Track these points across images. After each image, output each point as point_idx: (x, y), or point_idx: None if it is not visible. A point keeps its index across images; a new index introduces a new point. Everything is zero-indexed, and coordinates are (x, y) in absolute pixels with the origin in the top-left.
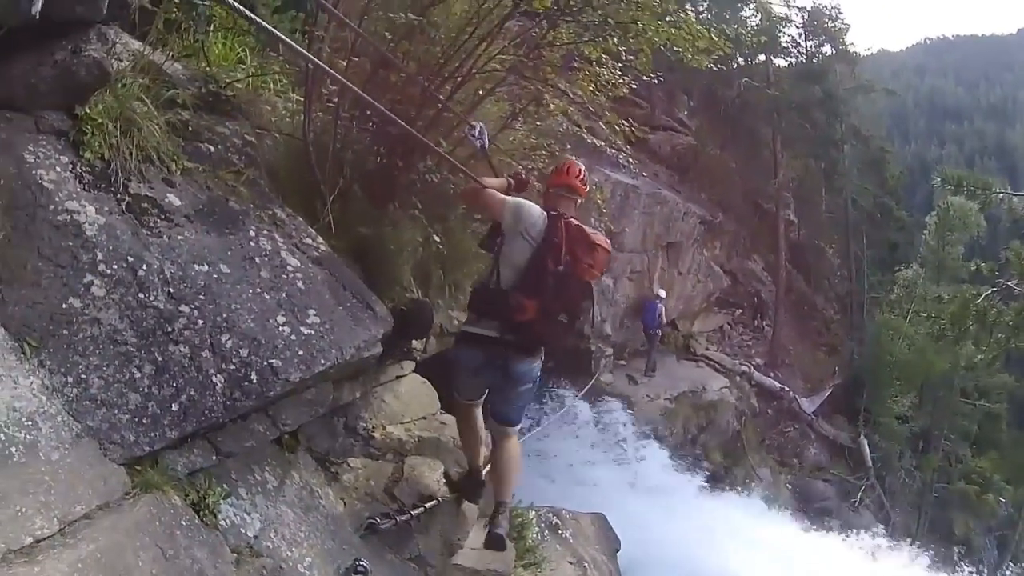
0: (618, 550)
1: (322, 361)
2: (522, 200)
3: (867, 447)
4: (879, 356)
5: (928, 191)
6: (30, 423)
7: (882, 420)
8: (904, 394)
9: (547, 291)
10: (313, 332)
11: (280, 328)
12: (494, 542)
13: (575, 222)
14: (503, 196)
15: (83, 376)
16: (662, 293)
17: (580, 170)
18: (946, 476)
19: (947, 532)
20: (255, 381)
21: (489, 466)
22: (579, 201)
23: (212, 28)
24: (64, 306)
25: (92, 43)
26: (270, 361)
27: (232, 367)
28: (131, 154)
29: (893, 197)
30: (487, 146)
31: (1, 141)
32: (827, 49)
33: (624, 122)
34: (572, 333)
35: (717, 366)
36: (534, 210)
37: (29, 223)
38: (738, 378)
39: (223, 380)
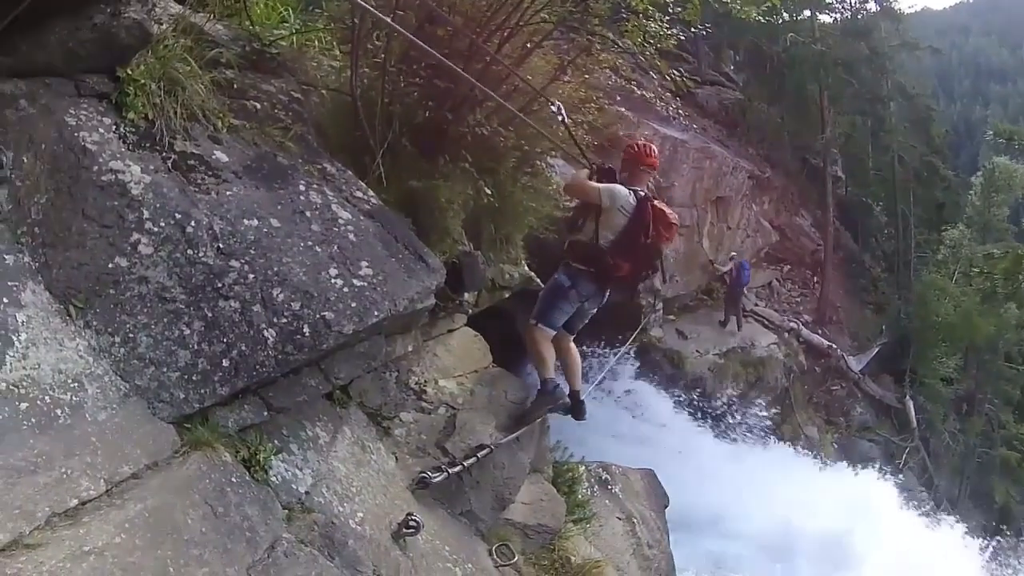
0: (667, 506)
1: (375, 313)
2: (611, 185)
3: (912, 408)
4: (925, 317)
5: (973, 151)
6: (76, 384)
7: (927, 381)
8: (949, 356)
9: (639, 257)
10: (366, 284)
11: (332, 281)
12: (581, 414)
13: (659, 205)
14: (596, 185)
15: (131, 335)
16: (734, 253)
17: (655, 148)
18: (989, 441)
19: (988, 498)
20: (307, 334)
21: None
22: (654, 172)
23: None
24: (110, 266)
25: (132, 5)
26: (323, 314)
27: (284, 321)
28: (176, 113)
29: (939, 156)
30: (567, 120)
31: (41, 106)
32: (872, 5)
33: (674, 72)
34: (644, 281)
35: (766, 322)
36: (623, 191)
37: (72, 185)
38: (786, 335)
39: (275, 334)
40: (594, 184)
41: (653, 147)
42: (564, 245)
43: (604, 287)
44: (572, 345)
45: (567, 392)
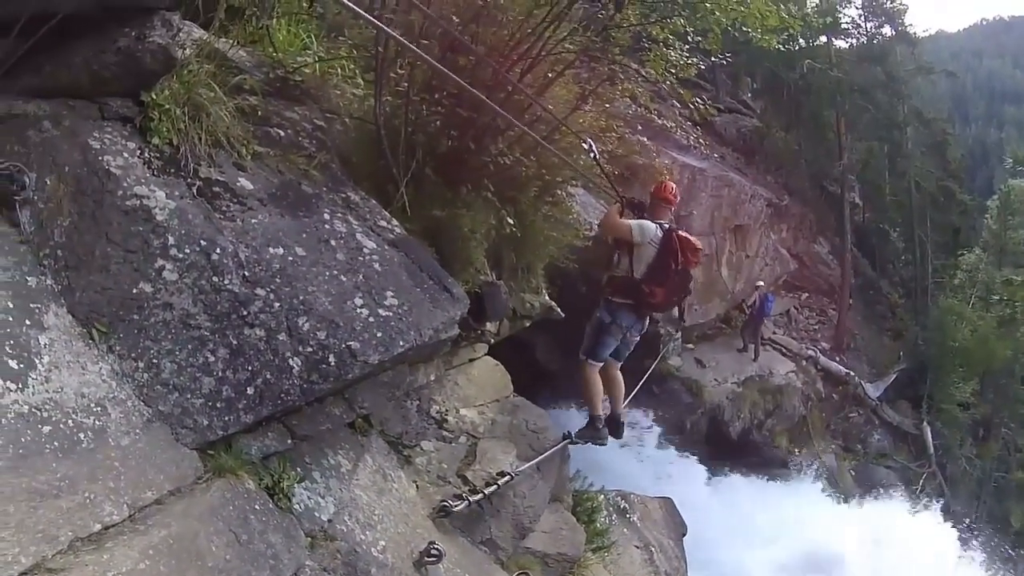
0: (684, 534)
1: (401, 343)
2: (640, 221)
3: (930, 434)
4: (942, 342)
5: (989, 175)
6: (99, 408)
7: (945, 407)
8: (966, 381)
9: (671, 283)
10: (391, 314)
11: (358, 310)
12: (619, 434)
13: (683, 234)
14: (628, 222)
15: (155, 361)
16: (761, 283)
17: (674, 188)
18: (1005, 465)
19: (1005, 523)
20: (333, 364)
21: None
22: (673, 208)
23: (276, 14)
24: (135, 291)
25: (156, 29)
26: (348, 343)
27: (309, 350)
28: (200, 139)
29: (955, 180)
30: (598, 157)
31: (64, 128)
32: (887, 30)
33: (698, 100)
34: (679, 304)
35: (784, 350)
36: (651, 226)
37: (96, 209)
38: (804, 362)
39: (300, 363)
40: (626, 222)
41: (670, 184)
42: (603, 280)
43: (643, 316)
44: (618, 373)
45: (603, 424)
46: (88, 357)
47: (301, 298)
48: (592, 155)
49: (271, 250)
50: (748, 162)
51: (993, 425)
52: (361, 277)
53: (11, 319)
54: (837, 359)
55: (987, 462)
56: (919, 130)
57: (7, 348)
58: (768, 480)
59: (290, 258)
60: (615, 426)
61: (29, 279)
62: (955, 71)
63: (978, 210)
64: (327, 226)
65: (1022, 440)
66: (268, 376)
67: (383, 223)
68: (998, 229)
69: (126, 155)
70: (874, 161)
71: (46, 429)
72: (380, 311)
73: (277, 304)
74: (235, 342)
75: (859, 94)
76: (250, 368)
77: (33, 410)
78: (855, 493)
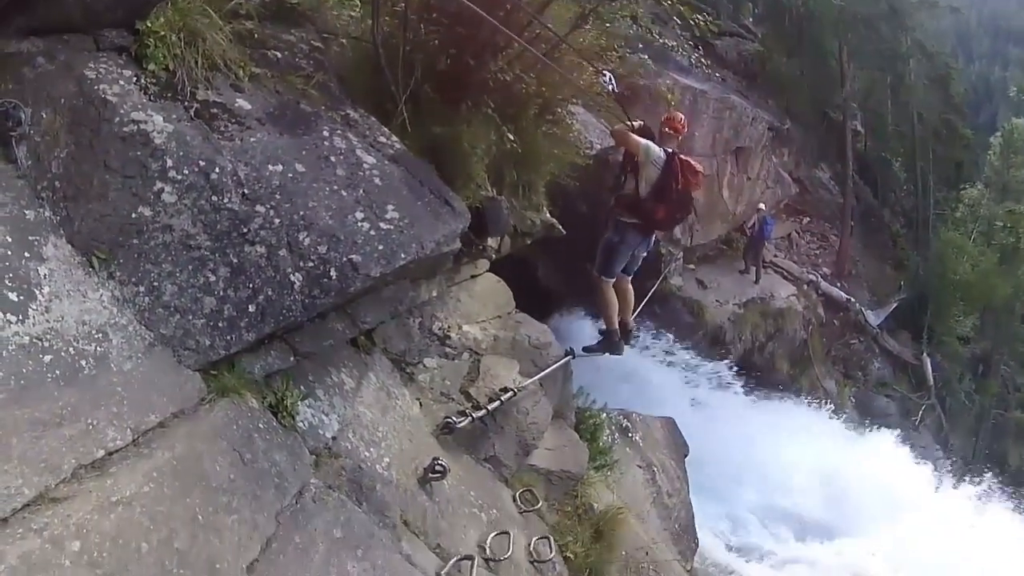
0: (687, 455)
1: (402, 255)
2: (649, 142)
3: (930, 366)
4: (943, 274)
5: (992, 112)
6: (100, 335)
7: (945, 339)
8: (967, 315)
9: (672, 202)
10: (392, 227)
11: (359, 224)
12: (628, 340)
13: (684, 158)
14: (639, 139)
15: (155, 284)
16: (762, 206)
17: (683, 118)
18: (1004, 403)
19: (1002, 461)
20: (334, 278)
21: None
22: (680, 137)
23: None
24: (134, 216)
25: None
26: (350, 257)
27: (311, 264)
28: (197, 63)
29: (958, 114)
30: (616, 90)
31: (59, 63)
32: None
33: (699, 16)
34: (681, 223)
35: (785, 273)
36: (656, 148)
37: (93, 137)
38: (806, 286)
39: (301, 278)
40: (637, 139)
41: (678, 115)
42: (612, 201)
43: (649, 235)
44: (629, 286)
45: (619, 336)
46: (88, 285)
47: (301, 214)
48: (611, 88)
49: (270, 167)
50: (749, 86)
51: (993, 362)
52: (362, 192)
53: (10, 253)
54: (838, 285)
55: (986, 399)
56: (922, 63)
57: (6, 281)
58: (770, 402)
59: (290, 175)
60: (626, 334)
61: (27, 212)
62: (959, 7)
63: (980, 146)
64: (326, 143)
65: (1021, 379)
66: (269, 293)
67: (383, 139)
68: (1001, 166)
69: (122, 83)
70: (876, 91)
71: (47, 359)
72: (381, 224)
73: (277, 220)
74: (236, 260)
75: (862, 24)
76: (251, 286)
77: (34, 340)
78: (855, 420)
